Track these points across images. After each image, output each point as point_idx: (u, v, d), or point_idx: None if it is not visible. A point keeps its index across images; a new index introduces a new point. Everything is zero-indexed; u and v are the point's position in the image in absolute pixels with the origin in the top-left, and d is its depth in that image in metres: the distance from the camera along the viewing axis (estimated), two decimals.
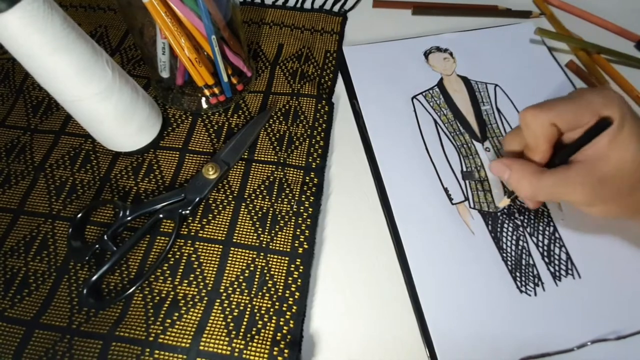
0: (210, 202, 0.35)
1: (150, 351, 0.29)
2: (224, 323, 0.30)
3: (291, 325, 0.30)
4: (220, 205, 0.35)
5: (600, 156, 0.26)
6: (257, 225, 0.34)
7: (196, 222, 0.34)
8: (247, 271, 0.32)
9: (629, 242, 0.33)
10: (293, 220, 0.34)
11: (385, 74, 0.43)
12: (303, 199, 0.35)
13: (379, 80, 0.43)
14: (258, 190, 0.36)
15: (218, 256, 0.33)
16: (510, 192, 0.32)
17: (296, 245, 0.33)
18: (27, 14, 0.25)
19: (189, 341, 0.29)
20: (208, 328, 0.30)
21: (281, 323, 0.30)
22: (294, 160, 0.38)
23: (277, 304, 0.31)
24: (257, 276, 0.32)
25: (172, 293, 0.31)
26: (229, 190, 0.36)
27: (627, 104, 0.26)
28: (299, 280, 0.32)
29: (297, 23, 0.48)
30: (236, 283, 0.32)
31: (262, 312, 0.31)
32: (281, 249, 0.33)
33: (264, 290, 0.31)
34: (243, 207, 0.35)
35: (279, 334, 0.30)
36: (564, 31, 0.47)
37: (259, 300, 0.31)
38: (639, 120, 0.26)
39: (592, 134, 0.26)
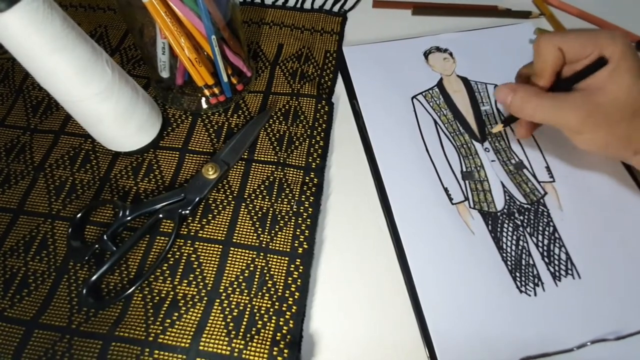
0: (210, 202, 0.35)
1: (149, 351, 0.29)
2: (223, 323, 0.30)
3: (291, 325, 0.30)
4: (220, 205, 0.35)
5: (598, 87, 0.29)
6: (257, 225, 0.34)
7: (196, 222, 0.34)
8: (246, 271, 0.32)
9: (628, 251, 0.33)
10: (293, 220, 0.34)
11: (385, 74, 0.43)
12: (303, 199, 0.35)
13: (379, 80, 0.43)
14: (258, 190, 0.36)
15: (218, 256, 0.33)
16: (506, 118, 0.35)
17: (296, 245, 0.33)
18: (27, 14, 0.25)
19: (188, 341, 0.29)
20: (208, 328, 0.30)
21: (281, 323, 0.30)
22: (294, 160, 0.38)
23: (276, 304, 0.31)
24: (256, 276, 0.32)
25: (172, 293, 0.31)
26: (228, 190, 0.36)
27: (630, 45, 0.29)
28: (299, 280, 0.32)
29: (297, 23, 0.48)
30: (236, 283, 0.32)
31: (262, 312, 0.31)
32: (281, 249, 0.33)
33: (264, 290, 0.31)
34: (243, 207, 0.35)
35: (278, 334, 0.30)
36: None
37: (258, 300, 0.31)
38: (637, 59, 0.28)
39: (593, 68, 0.29)
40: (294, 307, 0.31)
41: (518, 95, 0.31)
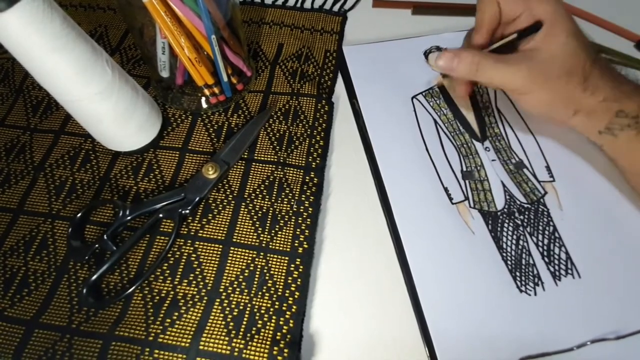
0: (210, 201, 0.35)
1: (150, 351, 0.29)
2: (223, 323, 0.30)
3: (291, 325, 0.30)
4: (220, 205, 0.35)
5: (536, 48, 0.31)
6: (257, 225, 0.34)
7: (196, 221, 0.34)
8: (246, 271, 0.32)
9: (629, 252, 0.33)
10: (293, 220, 0.34)
11: (385, 73, 0.43)
12: (303, 198, 0.35)
13: (379, 80, 0.43)
14: (258, 190, 0.36)
15: (218, 256, 0.33)
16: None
17: (296, 245, 0.33)
18: (27, 14, 0.25)
19: (188, 341, 0.29)
20: (208, 328, 0.30)
21: (281, 323, 0.30)
22: (294, 160, 0.38)
23: (276, 303, 0.31)
24: (256, 276, 0.32)
25: (172, 293, 0.31)
26: (228, 190, 0.36)
27: (560, 3, 0.31)
28: (299, 280, 0.32)
29: (297, 23, 0.48)
30: (236, 283, 0.32)
31: (262, 311, 0.31)
32: (281, 248, 0.33)
33: (264, 290, 0.31)
34: (243, 206, 0.35)
35: (278, 334, 0.30)
36: None
37: (258, 299, 0.31)
38: (570, 19, 0.30)
39: (526, 32, 0.31)
40: (294, 307, 0.31)
41: (462, 58, 0.32)
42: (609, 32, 0.48)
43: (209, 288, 0.31)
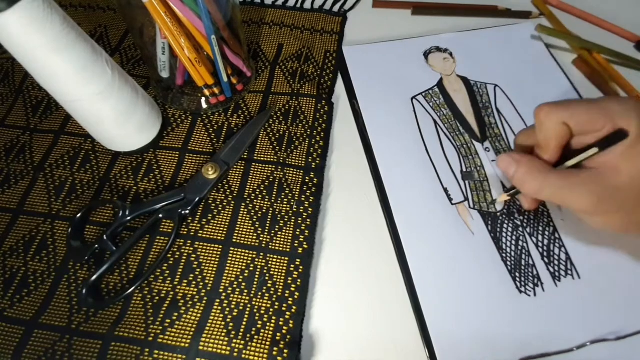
0: (210, 202, 0.35)
1: (149, 351, 0.29)
2: (223, 323, 0.30)
3: (291, 326, 0.30)
4: (220, 206, 0.35)
5: (612, 166, 0.25)
6: (256, 226, 0.34)
7: (196, 222, 0.34)
8: (246, 271, 0.32)
9: (628, 252, 0.33)
10: (293, 220, 0.34)
11: (385, 74, 0.43)
12: (303, 199, 0.35)
13: (379, 80, 0.43)
14: (258, 190, 0.36)
15: (218, 256, 0.33)
16: (510, 188, 0.32)
17: (296, 245, 0.33)
18: (27, 14, 0.25)
19: (188, 341, 0.29)
20: (207, 328, 0.30)
21: (281, 323, 0.30)
22: (293, 160, 0.38)
23: (276, 304, 0.31)
24: (256, 276, 0.32)
25: (172, 293, 0.31)
26: (228, 190, 0.36)
27: None
28: (299, 281, 0.32)
29: (297, 23, 0.48)
30: (236, 283, 0.32)
31: (262, 312, 0.31)
32: (281, 249, 0.33)
33: (264, 291, 0.31)
34: (243, 207, 0.35)
35: (278, 334, 0.30)
36: (565, 31, 0.47)
37: (258, 300, 0.31)
38: None
39: (607, 142, 0.25)
40: (294, 307, 0.31)
41: (522, 169, 0.28)
42: (609, 32, 0.48)
43: (208, 288, 0.31)
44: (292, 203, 0.35)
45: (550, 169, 0.28)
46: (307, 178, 0.37)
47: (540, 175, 0.27)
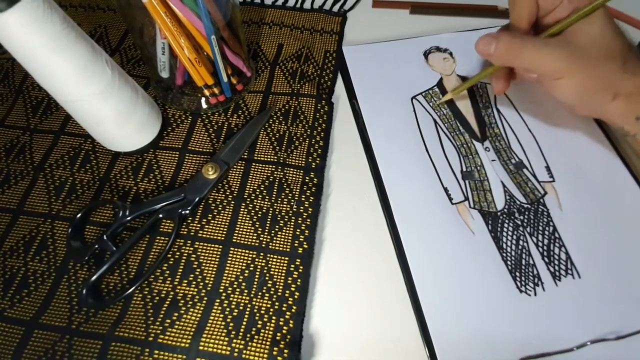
0: (210, 202, 0.35)
1: (149, 351, 0.29)
2: (223, 323, 0.30)
3: (291, 325, 0.30)
4: (220, 205, 0.35)
5: (573, 30, 0.30)
6: (256, 225, 0.34)
7: (196, 222, 0.34)
8: (246, 271, 0.32)
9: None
10: (293, 220, 0.34)
11: (385, 74, 0.43)
12: (303, 199, 0.35)
13: (379, 80, 0.43)
14: (258, 190, 0.36)
15: (218, 256, 0.33)
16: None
17: (296, 245, 0.33)
18: (27, 14, 0.25)
19: (188, 341, 0.29)
20: (208, 328, 0.30)
21: (281, 323, 0.30)
22: (293, 160, 0.38)
23: (276, 304, 0.31)
24: (256, 276, 0.32)
25: (172, 293, 0.31)
26: (228, 190, 0.36)
27: None
28: (299, 280, 0.32)
29: (297, 23, 0.48)
30: (236, 283, 0.32)
31: (262, 312, 0.31)
32: (281, 249, 0.33)
33: (264, 290, 0.31)
34: (243, 207, 0.35)
35: (278, 334, 0.30)
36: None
37: (258, 300, 0.31)
38: (605, 6, 0.30)
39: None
40: (294, 307, 0.31)
41: (502, 41, 0.31)
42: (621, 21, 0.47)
43: (208, 288, 0.31)
44: (292, 203, 0.35)
45: (527, 36, 0.32)
46: (307, 178, 0.37)
47: (521, 41, 0.31)
